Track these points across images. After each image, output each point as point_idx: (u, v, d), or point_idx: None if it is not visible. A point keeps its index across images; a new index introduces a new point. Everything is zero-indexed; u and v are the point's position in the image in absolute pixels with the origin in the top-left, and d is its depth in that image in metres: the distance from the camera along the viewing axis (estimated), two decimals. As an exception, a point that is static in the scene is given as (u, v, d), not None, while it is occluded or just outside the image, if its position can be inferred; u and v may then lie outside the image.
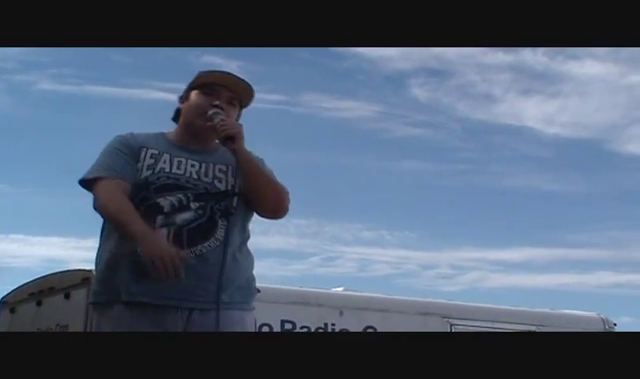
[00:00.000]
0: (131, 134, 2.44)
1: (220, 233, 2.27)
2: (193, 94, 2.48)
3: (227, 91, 2.45)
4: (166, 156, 2.38)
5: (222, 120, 2.35)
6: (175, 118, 2.53)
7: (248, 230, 2.42)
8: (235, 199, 2.35)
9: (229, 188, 2.36)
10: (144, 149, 2.39)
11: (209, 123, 2.36)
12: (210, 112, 2.37)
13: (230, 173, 2.38)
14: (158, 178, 2.32)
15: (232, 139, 2.33)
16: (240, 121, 2.49)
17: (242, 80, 2.48)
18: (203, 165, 2.39)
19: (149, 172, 2.33)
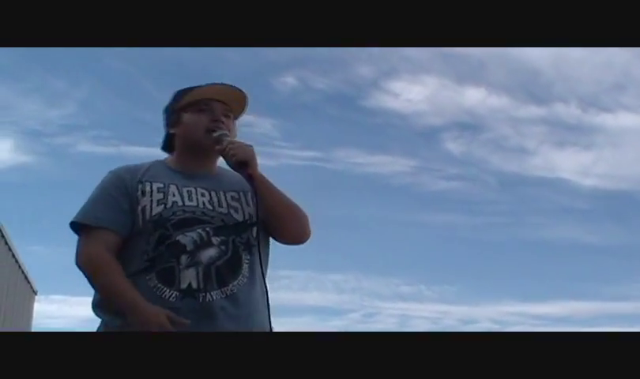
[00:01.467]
0: (126, 168, 2.22)
1: (245, 268, 2.13)
2: (186, 115, 2.26)
3: (221, 105, 2.27)
4: (173, 188, 2.18)
5: (231, 143, 2.18)
6: (165, 147, 2.33)
7: (268, 259, 2.26)
8: (255, 229, 2.17)
9: (247, 217, 2.19)
10: (148, 183, 2.17)
11: (218, 147, 2.18)
12: (216, 134, 2.20)
13: (243, 200, 2.22)
14: (174, 213, 2.12)
15: (246, 164, 2.15)
16: (238, 136, 2.31)
17: (234, 87, 2.29)
18: (213, 194, 2.20)
19: (161, 207, 2.13)
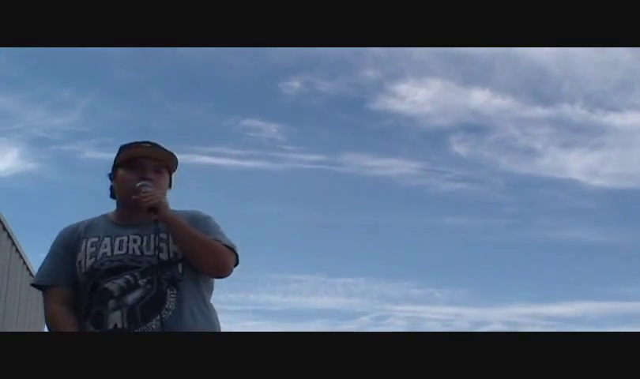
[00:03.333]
0: (71, 228, 2.50)
1: (170, 302, 2.33)
2: (120, 171, 2.51)
3: (151, 162, 2.49)
4: (107, 240, 2.43)
5: (144, 192, 2.39)
6: (112, 195, 2.57)
7: (210, 287, 2.48)
8: (180, 265, 2.39)
9: (171, 255, 2.39)
10: (84, 240, 2.44)
11: (134, 197, 2.40)
12: (137, 184, 2.42)
13: (171, 240, 2.41)
14: (102, 264, 2.37)
15: (155, 209, 2.37)
16: (168, 189, 2.53)
17: (162, 147, 2.52)
18: (144, 238, 2.41)
19: (92, 260, 2.39)
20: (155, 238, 2.39)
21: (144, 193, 2.38)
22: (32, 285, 2.49)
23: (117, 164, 2.53)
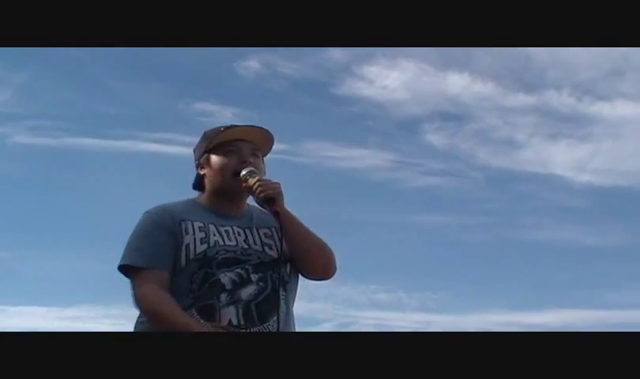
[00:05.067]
0: (163, 209, 2.26)
1: (282, 305, 2.18)
2: (214, 157, 2.30)
3: (248, 145, 2.31)
4: (212, 227, 2.22)
5: (259, 180, 2.21)
6: (196, 186, 2.37)
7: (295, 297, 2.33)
8: (288, 265, 2.24)
9: (280, 254, 2.22)
10: (190, 222, 2.22)
11: (245, 185, 2.22)
12: (243, 172, 2.23)
13: (276, 237, 2.26)
14: (217, 252, 2.18)
15: (273, 200, 2.18)
16: (266, 172, 2.33)
17: (259, 127, 2.34)
18: (247, 231, 2.25)
19: (205, 246, 2.18)
20: (276, 233, 2.24)
21: (260, 181, 2.20)
22: (122, 267, 2.19)
23: (208, 150, 2.32)
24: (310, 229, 2.27)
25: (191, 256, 2.15)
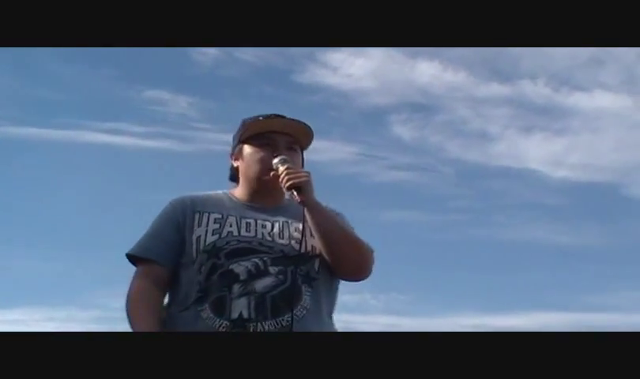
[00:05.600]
0: (181, 200, 2.18)
1: (306, 301, 2.03)
2: (247, 148, 2.21)
3: (284, 137, 2.19)
4: (232, 219, 2.13)
5: (288, 168, 2.09)
6: (233, 178, 2.28)
7: (336, 298, 2.19)
8: (317, 261, 2.09)
9: (309, 249, 2.09)
10: (205, 213, 2.14)
11: (273, 172, 2.11)
12: (275, 160, 2.12)
13: (309, 232, 2.11)
14: (227, 243, 2.07)
15: (299, 189, 2.06)
16: (306, 168, 2.22)
17: (297, 120, 2.21)
18: (276, 225, 2.13)
19: (215, 237, 2.08)
20: (300, 225, 2.10)
21: (288, 170, 2.08)
22: (127, 255, 2.15)
23: (242, 140, 2.22)
24: (343, 224, 2.16)
25: (201, 247, 2.07)
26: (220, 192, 2.26)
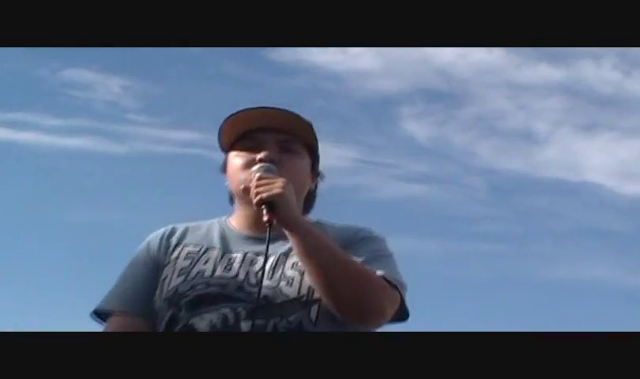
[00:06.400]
0: (170, 228, 1.78)
1: None
2: (230, 159, 1.75)
3: (274, 135, 1.71)
4: (210, 254, 1.68)
5: (259, 178, 1.60)
6: (231, 200, 1.82)
7: None
8: (315, 307, 1.59)
9: (303, 292, 1.59)
10: (181, 247, 1.72)
11: (242, 188, 1.64)
12: (254, 167, 1.64)
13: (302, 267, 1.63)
14: (192, 288, 1.61)
15: (270, 206, 1.56)
16: (310, 179, 1.77)
17: (289, 112, 1.71)
18: (270, 260, 1.63)
19: (180, 279, 1.64)
20: (277, 258, 1.64)
21: (259, 181, 1.59)
22: (93, 314, 1.73)
23: (225, 147, 1.77)
24: (341, 251, 1.60)
25: (163, 294, 1.65)
26: (216, 219, 1.81)
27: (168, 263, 1.69)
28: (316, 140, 1.76)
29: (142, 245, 1.76)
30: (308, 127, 1.73)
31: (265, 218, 1.55)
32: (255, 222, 1.68)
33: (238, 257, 1.66)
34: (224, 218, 1.80)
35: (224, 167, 1.78)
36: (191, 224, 1.80)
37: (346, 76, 7.68)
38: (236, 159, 1.72)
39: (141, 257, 1.74)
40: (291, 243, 1.59)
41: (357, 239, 1.69)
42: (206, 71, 7.14)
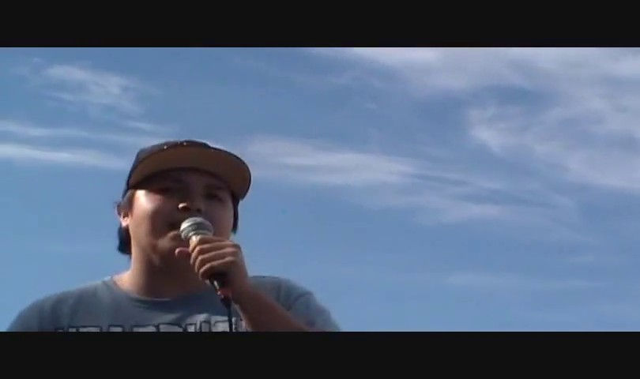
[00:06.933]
0: (50, 306, 1.43)
1: None
2: (143, 196, 1.44)
3: (202, 178, 1.44)
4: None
5: (201, 241, 1.34)
6: (123, 247, 1.50)
7: None
8: None
9: None
10: (72, 330, 1.41)
11: (179, 250, 1.36)
12: (185, 224, 1.37)
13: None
14: None
15: (222, 277, 1.32)
16: (231, 232, 1.50)
17: (225, 151, 1.46)
18: (190, 330, 1.42)
19: None
20: (199, 327, 1.42)
21: (202, 243, 1.34)
22: None
23: (133, 184, 1.47)
24: (294, 320, 1.39)
25: None
26: (97, 283, 1.49)
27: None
28: (246, 188, 1.50)
29: (18, 324, 1.43)
30: (242, 172, 1.47)
31: (221, 294, 1.31)
32: (158, 284, 1.43)
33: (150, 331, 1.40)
34: (109, 279, 1.49)
35: (127, 205, 1.47)
36: (73, 292, 1.47)
37: (401, 72, 6.17)
38: (150, 201, 1.43)
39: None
40: (242, 314, 1.35)
41: (290, 293, 1.47)
42: (225, 67, 5.66)
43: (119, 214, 1.50)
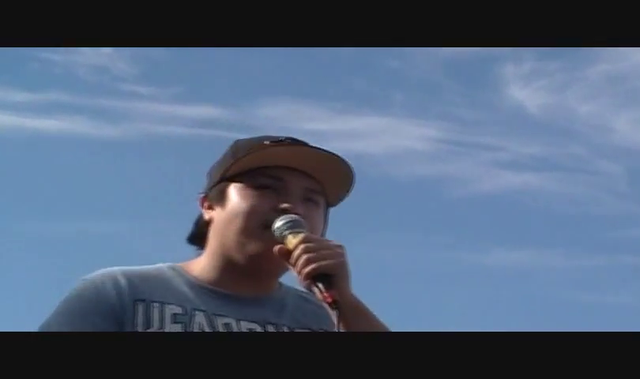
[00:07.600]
0: (112, 277, 1.34)
1: None
2: (235, 191, 1.38)
3: (302, 180, 1.38)
4: (200, 317, 1.32)
5: (305, 240, 1.27)
6: (195, 238, 1.46)
7: None
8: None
9: None
10: (155, 305, 1.31)
11: (280, 248, 1.30)
12: (279, 223, 1.31)
13: None
14: None
15: (329, 280, 1.24)
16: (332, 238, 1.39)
17: (327, 151, 1.38)
18: (270, 329, 1.35)
19: None
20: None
21: (307, 243, 1.27)
22: None
23: (227, 176, 1.40)
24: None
25: None
26: (162, 266, 1.42)
27: (147, 324, 1.30)
28: (345, 195, 1.44)
29: (91, 288, 1.34)
30: (346, 178, 1.41)
31: (328, 298, 1.23)
32: (235, 276, 1.38)
33: (231, 323, 1.34)
34: (173, 265, 1.43)
35: (218, 198, 1.40)
36: (136, 270, 1.39)
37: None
38: (246, 198, 1.37)
39: (95, 302, 1.32)
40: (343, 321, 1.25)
41: None
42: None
43: (203, 204, 1.44)
